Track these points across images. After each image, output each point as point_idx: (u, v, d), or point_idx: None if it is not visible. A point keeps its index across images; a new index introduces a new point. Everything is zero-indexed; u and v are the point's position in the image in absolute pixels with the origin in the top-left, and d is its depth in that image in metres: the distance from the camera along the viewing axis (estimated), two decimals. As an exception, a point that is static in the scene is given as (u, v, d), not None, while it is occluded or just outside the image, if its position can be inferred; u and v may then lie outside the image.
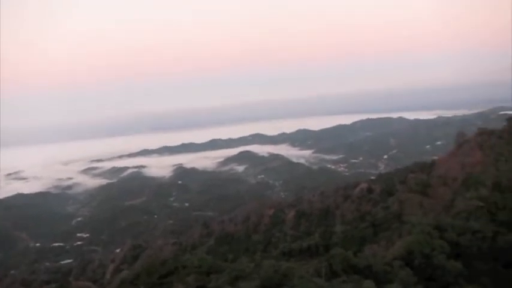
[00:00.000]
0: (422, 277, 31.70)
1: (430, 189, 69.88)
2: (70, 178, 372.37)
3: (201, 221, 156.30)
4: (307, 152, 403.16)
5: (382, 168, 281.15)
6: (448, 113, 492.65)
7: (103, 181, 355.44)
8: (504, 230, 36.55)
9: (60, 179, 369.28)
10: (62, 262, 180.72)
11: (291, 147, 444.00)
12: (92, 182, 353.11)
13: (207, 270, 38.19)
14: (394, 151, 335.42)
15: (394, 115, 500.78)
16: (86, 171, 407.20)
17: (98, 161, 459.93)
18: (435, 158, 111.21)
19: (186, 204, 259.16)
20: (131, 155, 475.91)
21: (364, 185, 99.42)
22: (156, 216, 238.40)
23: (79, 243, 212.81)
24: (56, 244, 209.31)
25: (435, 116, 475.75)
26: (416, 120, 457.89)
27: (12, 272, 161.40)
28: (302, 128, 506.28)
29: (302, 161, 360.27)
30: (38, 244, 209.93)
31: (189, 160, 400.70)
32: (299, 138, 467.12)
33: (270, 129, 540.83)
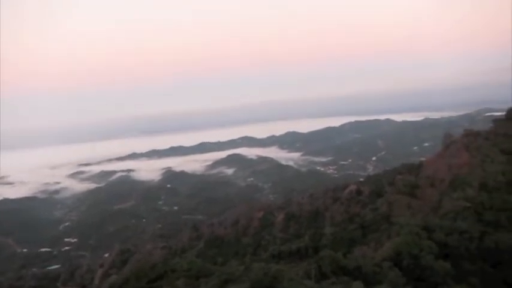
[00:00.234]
0: (411, 278, 31.91)
1: (418, 190, 70.42)
2: (57, 182, 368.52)
3: (190, 225, 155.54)
4: (296, 155, 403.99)
5: (370, 169, 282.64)
6: (435, 115, 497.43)
7: (91, 185, 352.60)
8: (491, 230, 36.97)
9: (47, 184, 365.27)
10: (50, 268, 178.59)
11: (280, 149, 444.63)
12: (80, 186, 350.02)
13: (197, 273, 38.01)
14: (383, 153, 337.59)
15: (382, 117, 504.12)
16: (73, 175, 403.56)
17: (86, 164, 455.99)
18: (423, 159, 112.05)
19: (175, 208, 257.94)
20: (119, 159, 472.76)
21: (353, 187, 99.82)
22: (144, 220, 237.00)
23: (67, 248, 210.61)
24: (44, 249, 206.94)
25: (422, 118, 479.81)
26: (404, 122, 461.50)
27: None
28: (291, 130, 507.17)
29: (291, 163, 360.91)
30: (25, 250, 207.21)
31: (178, 163, 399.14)
32: (288, 141, 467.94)
33: (259, 131, 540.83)
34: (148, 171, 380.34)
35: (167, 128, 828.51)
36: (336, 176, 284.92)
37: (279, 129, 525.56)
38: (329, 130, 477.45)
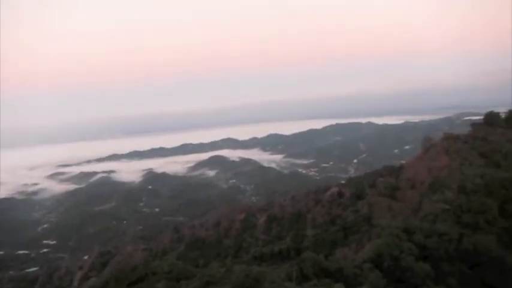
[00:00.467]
0: (391, 279, 32.23)
1: (398, 192, 71.19)
2: (36, 183, 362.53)
3: (172, 226, 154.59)
4: (278, 157, 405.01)
5: (352, 172, 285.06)
6: (416, 118, 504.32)
7: (70, 186, 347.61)
8: (469, 232, 37.57)
9: (25, 185, 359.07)
10: (28, 270, 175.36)
11: (262, 151, 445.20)
12: (59, 188, 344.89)
13: (178, 276, 37.76)
14: (364, 155, 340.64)
15: (363, 120, 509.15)
16: (52, 176, 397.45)
17: (65, 165, 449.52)
18: (403, 162, 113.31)
19: (156, 210, 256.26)
20: (100, 160, 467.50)
21: (334, 189, 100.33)
22: (125, 221, 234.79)
23: (45, 250, 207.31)
24: (21, 252, 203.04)
25: (403, 121, 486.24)
26: (385, 125, 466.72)
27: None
28: (273, 132, 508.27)
29: (273, 165, 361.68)
30: (1, 252, 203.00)
31: (159, 165, 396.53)
32: (270, 143, 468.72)
33: (241, 133, 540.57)
34: (129, 172, 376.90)
35: (148, 129, 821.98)
36: (318, 178, 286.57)
37: (261, 131, 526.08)
38: (311, 132, 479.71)
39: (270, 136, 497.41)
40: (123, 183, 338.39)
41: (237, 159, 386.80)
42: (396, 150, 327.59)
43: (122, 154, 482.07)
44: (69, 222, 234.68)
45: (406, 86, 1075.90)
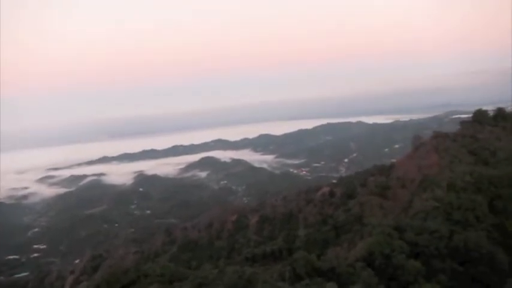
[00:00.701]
0: (383, 277, 32.43)
1: (389, 191, 71.61)
2: (25, 187, 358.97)
3: (163, 229, 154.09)
4: (270, 157, 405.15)
5: (343, 171, 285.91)
6: (405, 117, 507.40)
7: (61, 190, 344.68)
8: (459, 229, 37.93)
9: (14, 189, 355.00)
10: (18, 275, 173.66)
11: (253, 152, 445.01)
12: (49, 191, 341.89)
13: (170, 278, 37.69)
14: (354, 155, 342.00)
15: (354, 120, 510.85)
16: (42, 180, 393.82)
17: (55, 169, 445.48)
18: (393, 160, 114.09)
19: (148, 212, 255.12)
20: (90, 163, 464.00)
21: (325, 189, 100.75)
22: (116, 224, 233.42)
23: (36, 255, 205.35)
24: (11, 257, 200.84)
25: (393, 120, 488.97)
26: (375, 125, 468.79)
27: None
28: (264, 133, 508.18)
29: (264, 165, 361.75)
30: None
31: (150, 167, 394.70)
32: (261, 143, 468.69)
33: (232, 134, 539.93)
34: (120, 175, 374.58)
35: (139, 131, 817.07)
36: (309, 178, 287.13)
37: (252, 131, 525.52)
38: (302, 132, 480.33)
39: (261, 137, 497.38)
40: (113, 186, 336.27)
41: (228, 160, 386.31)
42: (386, 149, 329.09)
43: (113, 156, 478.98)
44: (59, 226, 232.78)
45: (395, 86, 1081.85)
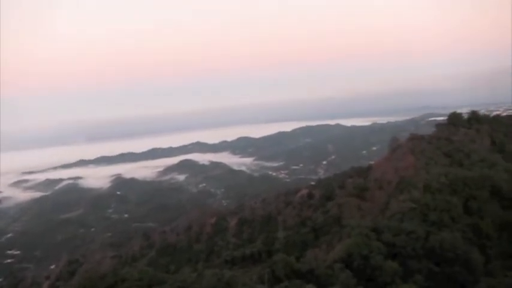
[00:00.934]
0: (361, 278, 32.75)
1: (367, 192, 72.41)
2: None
3: (141, 233, 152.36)
4: (249, 160, 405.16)
5: (321, 173, 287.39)
6: (383, 120, 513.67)
7: (36, 194, 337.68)
8: (435, 230, 38.61)
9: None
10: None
11: (232, 155, 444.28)
12: (24, 196, 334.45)
13: (148, 282, 37.23)
14: (333, 157, 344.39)
15: (332, 122, 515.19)
16: (16, 183, 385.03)
17: (30, 172, 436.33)
18: (371, 162, 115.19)
19: (126, 216, 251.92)
20: (66, 166, 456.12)
21: (304, 191, 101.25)
22: (93, 229, 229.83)
23: (9, 261, 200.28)
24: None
25: (370, 123, 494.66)
26: (353, 127, 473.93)
27: None
28: (243, 135, 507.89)
29: (243, 168, 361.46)
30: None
31: (128, 170, 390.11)
32: (240, 146, 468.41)
33: (211, 137, 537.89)
34: (97, 178, 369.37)
35: (116, 134, 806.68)
36: (288, 180, 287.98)
37: (231, 134, 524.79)
38: (280, 135, 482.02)
39: (239, 139, 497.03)
40: (90, 190, 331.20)
41: (207, 163, 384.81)
42: (364, 151, 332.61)
43: (89, 160, 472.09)
44: (34, 231, 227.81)
45: (373, 88, 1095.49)
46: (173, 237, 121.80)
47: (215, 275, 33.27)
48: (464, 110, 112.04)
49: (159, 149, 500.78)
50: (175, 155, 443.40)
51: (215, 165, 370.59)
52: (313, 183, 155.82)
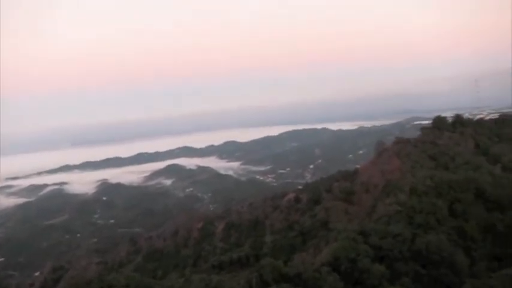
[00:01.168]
0: (349, 281, 32.90)
1: (353, 196, 72.83)
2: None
3: (128, 238, 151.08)
4: (236, 164, 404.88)
5: (308, 177, 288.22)
6: (369, 124, 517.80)
7: (19, 200, 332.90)
8: (421, 233, 38.95)
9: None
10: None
11: (219, 159, 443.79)
12: (7, 202, 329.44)
13: (135, 288, 36.89)
14: (320, 161, 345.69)
15: (319, 126, 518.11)
16: (0, 189, 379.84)
17: (14, 178, 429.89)
18: (358, 166, 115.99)
19: (112, 221, 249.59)
20: (51, 172, 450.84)
21: (291, 195, 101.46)
22: (79, 235, 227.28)
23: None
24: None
25: (357, 127, 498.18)
26: (340, 131, 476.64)
27: None
28: (230, 140, 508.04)
29: (230, 172, 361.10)
30: None
31: (114, 175, 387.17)
32: (227, 150, 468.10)
33: (198, 141, 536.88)
34: (83, 183, 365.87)
35: (101, 139, 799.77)
36: (275, 184, 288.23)
37: (218, 138, 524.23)
38: (267, 139, 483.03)
39: (226, 144, 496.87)
40: (75, 195, 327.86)
41: (194, 168, 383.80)
42: (351, 155, 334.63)
43: (75, 165, 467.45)
44: (18, 237, 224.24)
45: (359, 92, 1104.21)
46: (160, 243, 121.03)
47: (203, 280, 33.15)
48: (449, 114, 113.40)
49: (146, 153, 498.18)
50: (161, 160, 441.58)
51: (202, 169, 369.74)
52: (300, 187, 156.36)
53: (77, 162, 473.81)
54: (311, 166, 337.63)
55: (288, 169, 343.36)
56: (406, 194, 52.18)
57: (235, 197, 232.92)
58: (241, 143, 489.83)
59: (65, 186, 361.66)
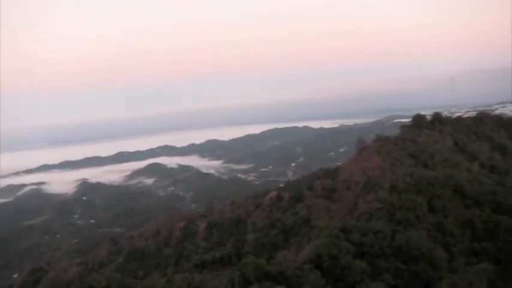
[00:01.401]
0: (331, 278, 33.13)
1: (335, 193, 73.35)
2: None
3: (109, 238, 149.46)
4: (217, 163, 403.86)
5: (290, 175, 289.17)
6: (350, 122, 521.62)
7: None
8: (401, 229, 39.48)
9: None
10: None
11: (200, 158, 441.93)
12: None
13: (116, 288, 36.51)
14: (301, 159, 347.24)
15: (300, 124, 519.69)
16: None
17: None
18: (339, 164, 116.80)
19: (92, 221, 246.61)
20: (29, 171, 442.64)
21: (273, 193, 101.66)
22: (58, 235, 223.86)
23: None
24: None
25: (338, 125, 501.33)
26: (321, 129, 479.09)
27: None
28: (211, 138, 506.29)
29: (212, 171, 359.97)
30: None
31: (94, 174, 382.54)
32: (208, 149, 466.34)
33: (179, 140, 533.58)
34: (62, 183, 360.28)
35: (80, 138, 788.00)
36: (257, 182, 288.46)
37: (199, 137, 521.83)
38: (249, 138, 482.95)
39: (208, 142, 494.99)
40: (55, 195, 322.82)
41: (175, 166, 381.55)
42: (332, 153, 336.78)
43: (53, 164, 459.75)
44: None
45: (340, 91, 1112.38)
46: (141, 242, 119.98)
47: (185, 279, 33.01)
48: (428, 112, 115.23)
49: (126, 152, 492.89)
50: (142, 159, 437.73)
51: (183, 168, 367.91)
52: (282, 185, 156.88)
53: (56, 161, 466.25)
54: (293, 164, 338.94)
55: (270, 167, 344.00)
56: (386, 191, 52.82)
57: (217, 196, 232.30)
58: (223, 142, 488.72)
59: (44, 186, 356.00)
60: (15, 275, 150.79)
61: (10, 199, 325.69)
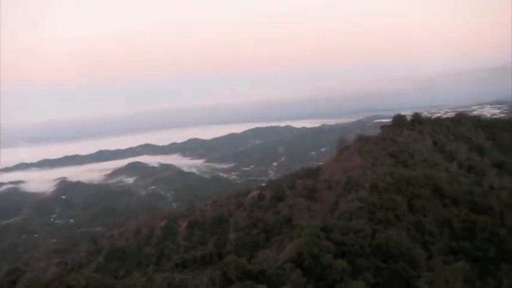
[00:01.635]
0: (312, 277, 33.34)
1: (316, 193, 73.73)
2: None
3: (88, 238, 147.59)
4: (199, 162, 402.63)
5: (272, 175, 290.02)
6: (331, 122, 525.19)
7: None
8: (381, 228, 39.96)
9: None
10: None
11: (182, 157, 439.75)
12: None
13: (96, 289, 36.07)
14: (283, 158, 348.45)
15: (282, 124, 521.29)
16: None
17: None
18: (320, 163, 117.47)
19: (71, 221, 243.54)
20: (6, 170, 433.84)
21: (255, 192, 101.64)
22: (36, 235, 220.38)
23: None
24: None
25: (319, 125, 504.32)
26: (303, 129, 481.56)
27: None
28: (193, 137, 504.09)
29: (194, 170, 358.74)
30: None
31: (74, 173, 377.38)
32: (190, 148, 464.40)
33: (160, 139, 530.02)
34: (40, 182, 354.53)
35: (59, 136, 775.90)
36: (239, 182, 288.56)
37: (181, 136, 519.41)
38: (231, 137, 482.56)
39: (190, 141, 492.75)
40: (33, 194, 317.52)
41: (157, 165, 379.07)
42: (313, 153, 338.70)
43: (31, 163, 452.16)
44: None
45: (322, 91, 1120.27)
46: (122, 242, 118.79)
47: (165, 278, 32.80)
48: (408, 112, 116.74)
49: (106, 151, 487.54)
50: (123, 158, 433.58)
51: (165, 167, 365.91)
52: (263, 184, 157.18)
53: (34, 160, 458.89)
54: (274, 163, 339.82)
55: (252, 166, 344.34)
56: (367, 191, 53.33)
57: (198, 195, 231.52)
58: (204, 141, 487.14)
59: (22, 185, 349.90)
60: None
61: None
